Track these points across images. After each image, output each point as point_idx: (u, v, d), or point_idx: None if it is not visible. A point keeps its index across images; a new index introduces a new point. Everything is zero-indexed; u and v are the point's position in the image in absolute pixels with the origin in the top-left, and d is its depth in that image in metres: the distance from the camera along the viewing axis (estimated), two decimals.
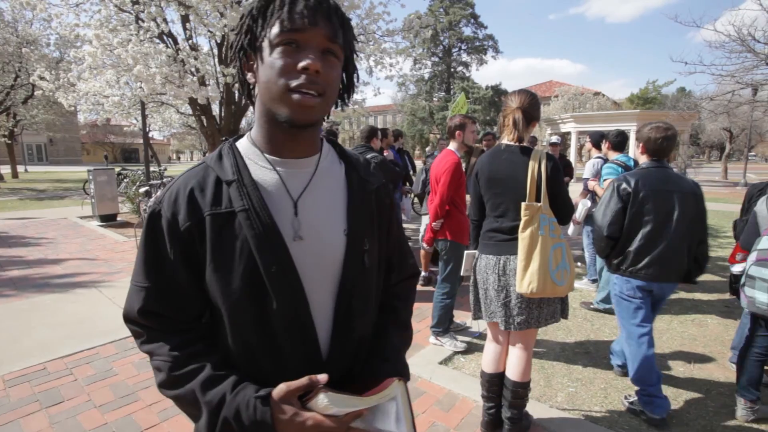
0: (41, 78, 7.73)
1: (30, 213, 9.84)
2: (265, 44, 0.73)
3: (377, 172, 0.94)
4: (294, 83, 0.70)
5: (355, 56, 0.85)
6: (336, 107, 0.89)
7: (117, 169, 10.83)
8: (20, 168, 23.60)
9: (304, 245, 0.78)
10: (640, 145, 2.46)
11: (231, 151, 0.82)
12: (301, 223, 0.78)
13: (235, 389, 0.74)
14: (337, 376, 0.78)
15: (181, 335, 0.79)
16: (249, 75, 0.79)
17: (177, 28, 7.11)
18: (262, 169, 0.80)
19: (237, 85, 0.85)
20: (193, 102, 7.32)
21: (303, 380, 0.71)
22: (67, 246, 6.48)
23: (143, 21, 5.94)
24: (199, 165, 0.81)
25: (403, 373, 0.89)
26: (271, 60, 0.72)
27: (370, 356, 0.88)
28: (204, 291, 0.79)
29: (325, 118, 0.88)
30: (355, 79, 0.87)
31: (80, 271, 5.14)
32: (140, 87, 6.62)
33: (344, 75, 0.84)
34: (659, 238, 2.30)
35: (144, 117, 8.57)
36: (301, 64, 0.70)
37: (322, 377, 0.71)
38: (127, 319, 0.82)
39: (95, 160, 42.29)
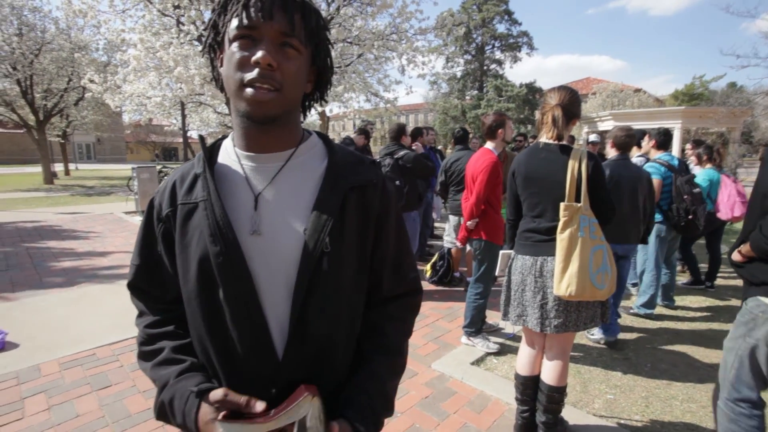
0: (91, 81, 8.20)
1: (80, 208, 10.45)
2: (226, 38, 0.73)
3: (370, 171, 0.85)
4: (248, 77, 0.70)
5: (328, 47, 0.82)
6: (313, 102, 0.88)
7: (158, 167, 11.34)
8: (71, 166, 25.09)
9: (261, 240, 0.76)
10: (610, 142, 3.31)
11: (210, 145, 0.85)
12: (261, 218, 0.77)
13: (180, 376, 0.76)
14: (297, 378, 0.75)
15: (159, 315, 0.85)
16: (221, 69, 0.78)
17: None
18: (231, 162, 0.81)
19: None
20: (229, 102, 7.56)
21: (242, 399, 0.69)
22: (113, 240, 6.84)
23: (183, 24, 6.19)
24: (193, 159, 0.86)
25: (382, 408, 0.82)
26: (229, 54, 0.72)
27: (349, 385, 0.82)
28: None
29: (310, 111, 0.87)
30: (329, 72, 0.84)
31: (125, 263, 5.41)
32: (180, 88, 6.90)
33: (317, 68, 0.81)
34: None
35: (183, 117, 8.93)
36: (254, 58, 0.69)
37: (260, 406, 0.68)
38: (129, 292, 0.90)
39: (138, 158, 44.41)
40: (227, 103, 8.06)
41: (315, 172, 0.81)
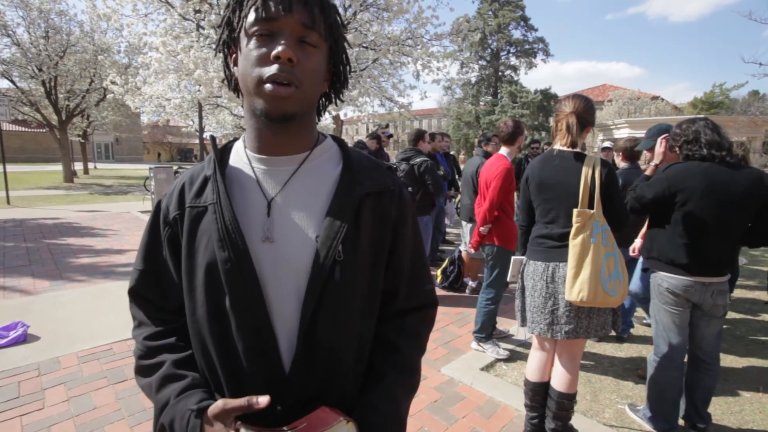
0: (113, 82, 8.40)
1: (98, 206, 10.69)
2: (242, 34, 0.70)
3: (387, 177, 0.82)
4: (267, 74, 0.66)
5: (345, 44, 0.79)
6: (329, 102, 0.85)
7: (174, 168, 11.55)
8: (90, 165, 25.69)
9: (273, 248, 0.72)
10: (621, 155, 3.44)
11: (221, 147, 0.82)
12: (274, 224, 0.73)
13: (180, 395, 0.72)
14: (303, 395, 0.72)
15: (160, 325, 0.80)
16: (234, 68, 0.75)
17: None
18: (243, 165, 0.78)
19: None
20: None
21: (242, 400, 0.67)
22: (130, 238, 6.99)
23: (203, 28, 6.32)
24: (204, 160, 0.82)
25: (395, 429, 0.78)
26: (246, 50, 0.69)
27: (360, 401, 0.78)
28: None
29: (325, 112, 0.84)
30: (346, 71, 0.80)
31: None
32: (199, 90, 7.04)
33: (333, 67, 0.79)
34: None
35: (201, 118, 9.08)
36: (273, 53, 0.66)
37: (263, 400, 0.66)
38: (129, 299, 0.86)
39: (155, 158, 45.28)
40: (243, 106, 8.15)
41: (330, 176, 0.78)
